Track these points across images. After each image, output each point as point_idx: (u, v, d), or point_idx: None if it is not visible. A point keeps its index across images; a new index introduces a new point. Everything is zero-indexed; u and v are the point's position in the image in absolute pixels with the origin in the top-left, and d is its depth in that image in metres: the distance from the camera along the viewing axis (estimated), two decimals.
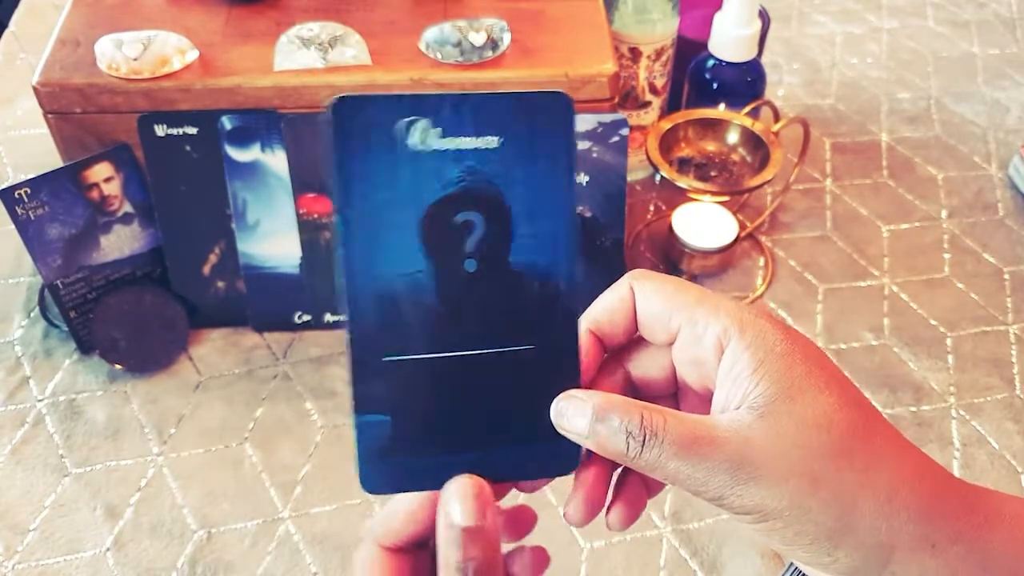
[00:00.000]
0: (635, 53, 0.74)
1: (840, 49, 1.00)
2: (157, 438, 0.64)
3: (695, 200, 0.74)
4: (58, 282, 0.66)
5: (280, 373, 0.68)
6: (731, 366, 0.32)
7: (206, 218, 0.67)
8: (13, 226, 0.63)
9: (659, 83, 0.77)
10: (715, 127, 0.75)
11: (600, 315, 0.35)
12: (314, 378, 0.67)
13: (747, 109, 0.74)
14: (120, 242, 0.67)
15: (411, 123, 0.28)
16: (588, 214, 0.68)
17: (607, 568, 0.58)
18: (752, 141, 0.73)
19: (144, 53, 0.63)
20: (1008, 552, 0.31)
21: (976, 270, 0.77)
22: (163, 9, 0.70)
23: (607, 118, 0.65)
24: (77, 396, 0.66)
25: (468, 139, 0.28)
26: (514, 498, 0.35)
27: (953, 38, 1.02)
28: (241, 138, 0.65)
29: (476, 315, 0.30)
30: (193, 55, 0.65)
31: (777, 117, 0.77)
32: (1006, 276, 0.76)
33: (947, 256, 0.78)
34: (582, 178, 0.67)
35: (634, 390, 0.36)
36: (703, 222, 0.74)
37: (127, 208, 0.67)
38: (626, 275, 0.35)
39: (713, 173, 0.74)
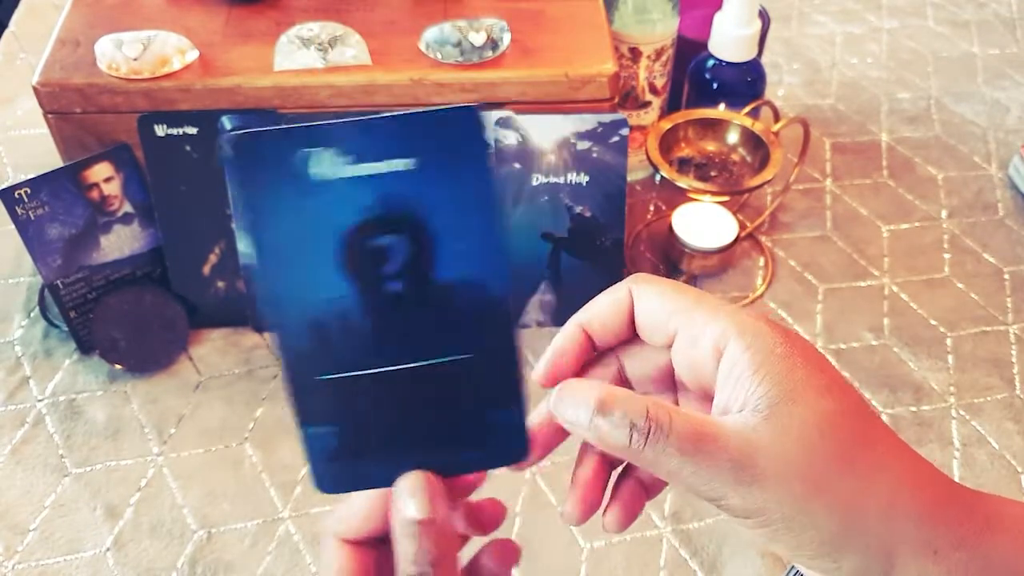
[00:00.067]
0: (635, 53, 0.74)
1: (840, 49, 1.00)
2: (157, 438, 0.64)
3: (695, 200, 0.74)
4: (58, 282, 0.66)
5: (280, 373, 0.68)
6: (731, 368, 0.32)
7: (206, 218, 0.67)
8: (13, 226, 0.63)
9: (659, 83, 0.77)
10: (715, 127, 0.75)
11: (593, 314, 0.35)
12: None
13: (747, 109, 0.74)
14: (120, 242, 0.67)
15: (313, 154, 0.28)
16: (588, 214, 0.68)
17: (607, 568, 0.58)
18: (752, 141, 0.73)
19: (144, 53, 0.63)
20: (1010, 557, 0.31)
21: (976, 270, 0.77)
22: (163, 9, 0.70)
23: (607, 118, 0.65)
24: (77, 396, 0.66)
25: (379, 163, 0.28)
26: (496, 494, 0.35)
27: (953, 38, 1.02)
28: None
29: (406, 332, 0.30)
30: (193, 55, 0.65)
31: (777, 117, 0.77)
32: (1006, 276, 0.76)
33: (947, 256, 0.78)
34: (582, 178, 0.67)
35: (628, 387, 0.36)
36: (703, 222, 0.74)
37: (127, 208, 0.67)
38: (627, 278, 0.35)
39: (713, 173, 0.74)
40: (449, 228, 0.29)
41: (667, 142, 0.73)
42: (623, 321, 0.35)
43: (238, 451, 0.63)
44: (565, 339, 0.35)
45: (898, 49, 1.00)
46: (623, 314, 0.35)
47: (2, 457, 0.63)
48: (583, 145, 0.66)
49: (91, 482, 0.62)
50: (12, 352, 0.69)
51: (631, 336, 0.36)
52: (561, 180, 0.67)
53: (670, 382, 0.36)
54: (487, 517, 0.35)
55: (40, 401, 0.66)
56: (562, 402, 0.32)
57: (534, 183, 0.67)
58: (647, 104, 0.78)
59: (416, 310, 0.30)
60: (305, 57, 0.65)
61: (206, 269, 0.69)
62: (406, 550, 0.30)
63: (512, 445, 0.32)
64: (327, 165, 0.28)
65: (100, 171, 0.65)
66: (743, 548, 0.58)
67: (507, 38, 0.66)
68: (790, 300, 0.74)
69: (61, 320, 0.68)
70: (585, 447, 0.37)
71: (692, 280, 0.75)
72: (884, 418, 0.66)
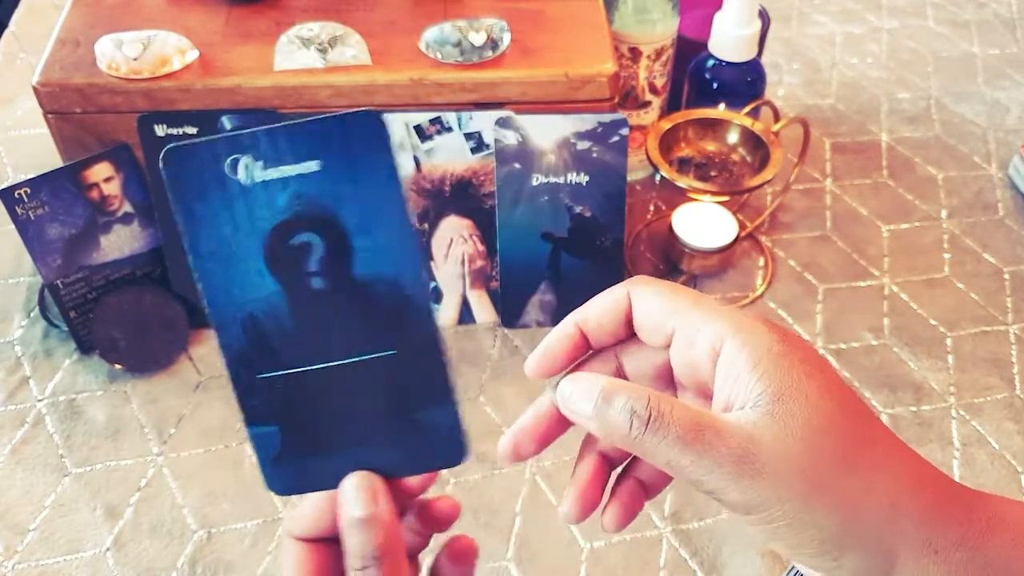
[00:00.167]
0: (635, 53, 0.74)
1: (840, 49, 1.00)
2: (157, 438, 0.64)
3: (695, 200, 0.74)
4: (58, 282, 0.66)
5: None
6: (728, 367, 0.32)
7: None
8: (13, 226, 0.63)
9: (659, 83, 0.77)
10: (715, 127, 0.75)
11: (589, 313, 0.36)
12: None
13: (747, 109, 0.74)
14: (120, 242, 0.67)
15: (235, 161, 0.29)
16: (588, 214, 0.68)
17: (607, 568, 0.58)
18: (752, 141, 0.73)
19: (144, 53, 0.63)
20: (1010, 557, 0.31)
21: (976, 270, 0.77)
22: (163, 9, 0.70)
23: (607, 118, 0.65)
24: (77, 396, 0.66)
25: (289, 167, 0.30)
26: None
27: (953, 38, 1.02)
28: None
29: (333, 328, 0.32)
30: (193, 55, 0.65)
31: (777, 117, 0.77)
32: (1006, 276, 0.76)
33: (947, 256, 0.78)
34: (582, 178, 0.67)
35: None
36: (703, 222, 0.74)
37: (127, 208, 0.67)
38: (627, 280, 0.36)
39: (713, 173, 0.74)
40: (359, 225, 0.30)
41: (667, 142, 0.73)
42: (619, 321, 0.35)
43: (238, 451, 0.63)
44: (559, 334, 0.36)
45: (898, 49, 1.00)
46: (620, 314, 0.35)
47: (2, 457, 0.63)
48: (583, 145, 0.66)
49: (91, 482, 0.62)
50: (12, 352, 0.69)
51: (626, 336, 0.36)
52: (561, 180, 0.67)
53: (669, 381, 0.36)
54: (440, 515, 0.36)
55: (40, 401, 0.66)
56: (568, 392, 0.33)
57: (534, 183, 0.67)
58: (647, 104, 0.78)
59: (339, 307, 0.31)
60: (305, 57, 0.65)
61: None
62: (352, 546, 0.31)
63: (449, 446, 0.33)
64: (247, 171, 0.30)
65: (100, 171, 0.65)
66: (743, 548, 0.58)
67: (507, 38, 0.66)
68: (790, 300, 0.74)
69: (61, 320, 0.68)
70: (585, 446, 0.37)
71: (692, 280, 0.75)
72: (884, 418, 0.66)
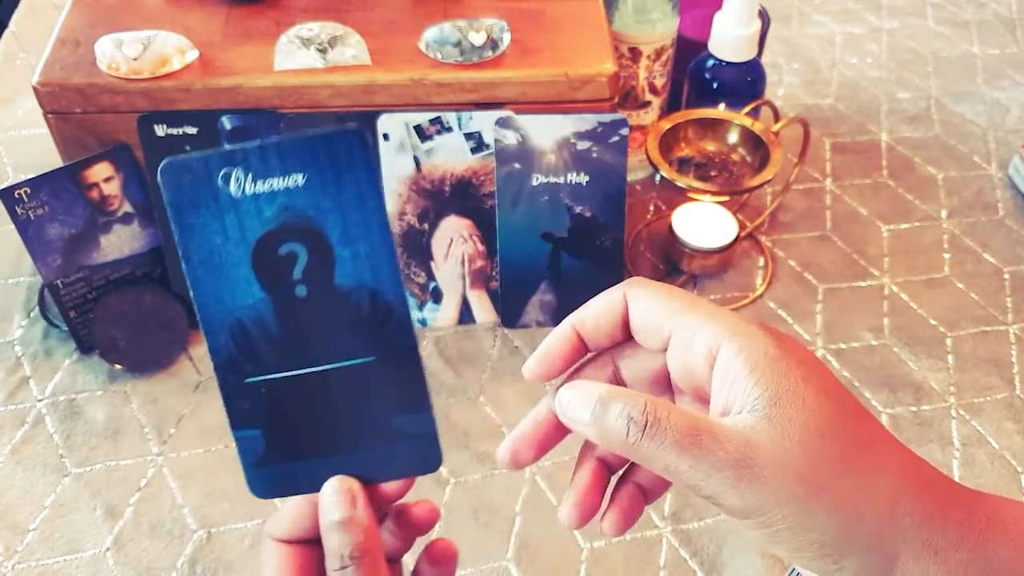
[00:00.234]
0: (635, 53, 0.74)
1: (840, 49, 1.00)
2: (157, 438, 0.64)
3: (695, 200, 0.74)
4: (58, 282, 0.66)
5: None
6: (725, 370, 0.32)
7: None
8: (13, 226, 0.63)
9: (659, 83, 0.77)
10: (715, 127, 0.75)
11: (586, 316, 0.36)
12: None
13: (747, 109, 0.74)
14: (120, 242, 0.67)
15: (227, 174, 0.31)
16: (588, 214, 0.68)
17: (607, 568, 0.58)
18: (752, 141, 0.73)
19: (144, 53, 0.63)
20: (1011, 558, 0.31)
21: (976, 270, 0.77)
22: (163, 9, 0.70)
23: (607, 118, 0.65)
24: (77, 396, 0.66)
25: (277, 180, 0.31)
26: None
27: (953, 38, 1.02)
28: (241, 138, 0.65)
29: (315, 335, 0.33)
30: (193, 55, 0.65)
31: (777, 117, 0.77)
32: (1006, 276, 0.76)
33: (947, 256, 0.78)
34: (582, 178, 0.67)
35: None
36: (703, 222, 0.74)
37: (127, 208, 0.67)
38: (623, 282, 0.36)
39: (713, 173, 0.74)
40: (342, 236, 0.32)
41: (667, 142, 0.73)
42: (616, 324, 0.35)
43: None
44: (557, 338, 0.36)
45: (898, 49, 1.00)
46: (616, 317, 0.35)
47: (2, 457, 0.63)
48: (583, 145, 0.66)
49: (91, 482, 0.62)
50: (12, 352, 0.69)
51: (624, 339, 0.36)
52: (561, 180, 0.67)
53: (666, 385, 0.36)
54: (418, 519, 0.37)
55: (40, 401, 0.66)
56: (567, 400, 0.33)
57: (534, 183, 0.67)
58: (647, 104, 0.78)
59: (321, 314, 0.33)
60: (305, 57, 0.65)
61: None
62: (332, 547, 0.33)
63: (425, 453, 0.35)
64: (237, 184, 0.31)
65: (100, 171, 0.65)
66: (743, 548, 0.58)
67: (507, 38, 0.66)
68: (790, 300, 0.74)
69: (61, 320, 0.68)
70: (584, 452, 0.37)
71: (692, 280, 0.75)
72: (884, 418, 0.66)
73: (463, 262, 0.69)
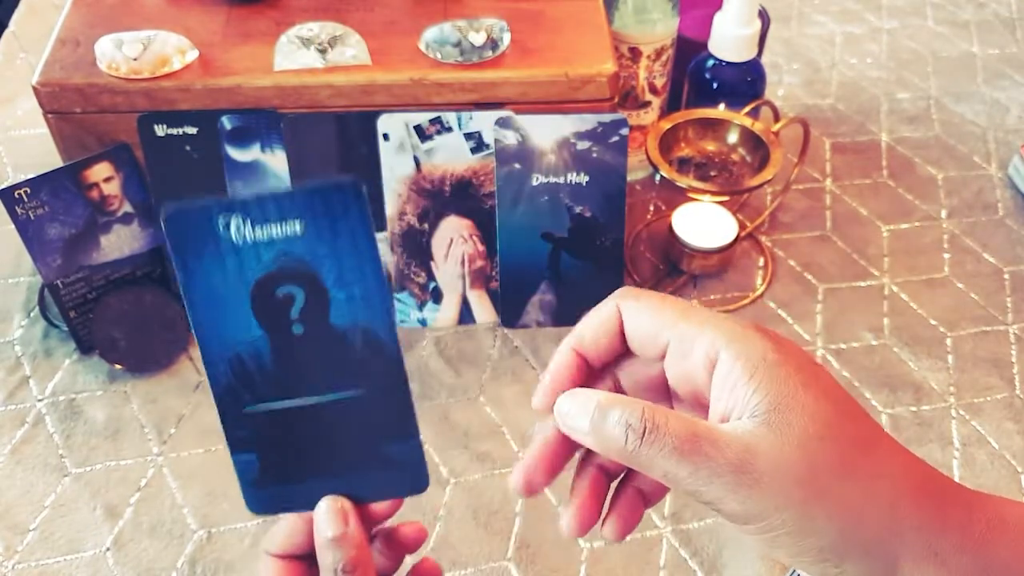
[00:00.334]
0: (635, 53, 0.74)
1: (840, 49, 1.00)
2: (157, 438, 0.64)
3: (695, 200, 0.74)
4: (58, 282, 0.66)
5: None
6: (725, 376, 0.32)
7: None
8: (13, 226, 0.63)
9: (659, 83, 0.77)
10: (715, 127, 0.75)
11: (584, 334, 0.36)
12: None
13: (747, 109, 0.74)
14: (120, 242, 0.67)
15: (228, 221, 0.33)
16: (588, 214, 0.68)
17: (607, 568, 0.58)
18: (752, 141, 0.73)
19: (144, 53, 0.63)
20: (1012, 560, 0.31)
21: (976, 270, 0.77)
22: (163, 9, 0.70)
23: (607, 118, 0.65)
24: (77, 396, 0.66)
25: (275, 227, 0.33)
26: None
27: (953, 38, 1.02)
28: (241, 138, 0.65)
29: (310, 369, 0.35)
30: (193, 55, 0.65)
31: (777, 117, 0.77)
32: (1006, 276, 0.76)
33: (947, 256, 0.78)
34: (582, 178, 0.67)
35: None
36: (703, 222, 0.74)
37: (127, 208, 0.67)
38: (613, 295, 0.36)
39: (713, 173, 0.74)
40: (337, 280, 0.34)
41: (667, 142, 0.73)
42: (614, 338, 0.36)
43: None
44: (560, 364, 0.36)
45: (898, 49, 1.00)
46: (613, 331, 0.35)
47: (2, 457, 0.63)
48: (583, 145, 0.66)
49: (91, 482, 0.62)
50: (12, 352, 0.69)
51: (624, 351, 0.36)
52: (561, 180, 0.67)
53: (665, 393, 0.36)
54: (407, 539, 0.38)
55: (40, 401, 0.66)
56: (566, 408, 0.33)
57: (534, 183, 0.67)
58: (647, 104, 0.78)
59: (317, 351, 0.35)
60: (305, 57, 0.65)
61: None
62: (326, 562, 0.34)
63: (412, 476, 0.36)
64: (238, 230, 0.33)
65: (100, 171, 0.65)
66: (743, 548, 0.58)
67: (507, 38, 0.66)
68: (790, 300, 0.74)
69: (61, 320, 0.68)
70: (584, 461, 0.37)
71: (692, 280, 0.75)
72: (884, 418, 0.66)
73: (463, 262, 0.69)
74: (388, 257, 0.69)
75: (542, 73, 0.65)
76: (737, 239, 0.74)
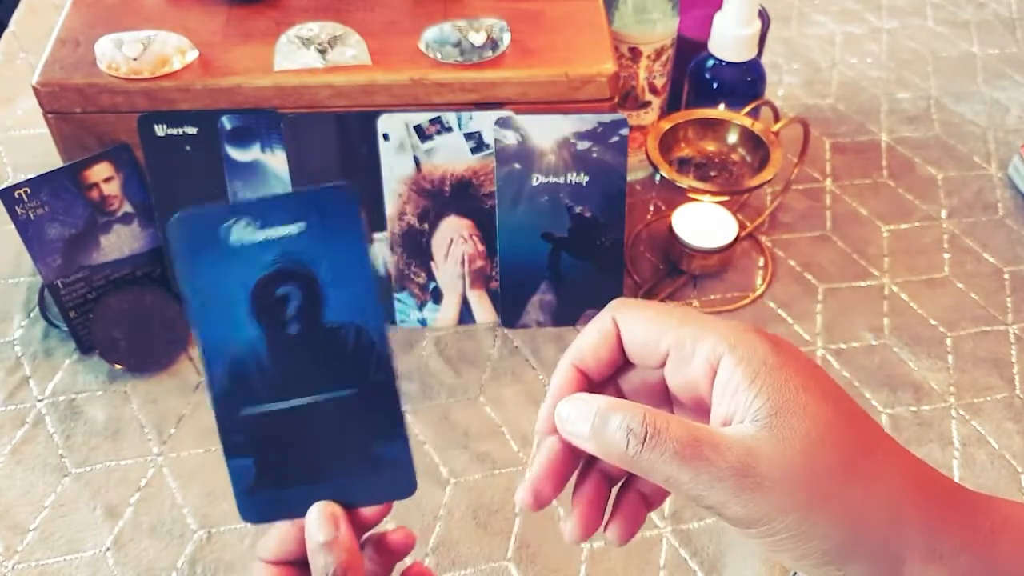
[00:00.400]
0: (635, 53, 0.74)
1: (840, 49, 1.00)
2: (157, 438, 0.64)
3: (695, 200, 0.74)
4: (58, 282, 0.66)
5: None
6: (726, 383, 0.32)
7: None
8: (13, 226, 0.63)
9: (659, 83, 0.77)
10: (715, 127, 0.75)
11: (583, 350, 0.36)
12: None
13: (747, 109, 0.74)
14: (120, 242, 0.67)
15: (232, 224, 0.34)
16: (588, 214, 0.68)
17: (607, 568, 0.58)
18: (752, 141, 0.73)
19: (144, 53, 0.63)
20: (1014, 560, 0.31)
21: (976, 270, 0.77)
22: (163, 9, 0.70)
23: (607, 118, 0.65)
24: (77, 396, 0.66)
25: (276, 229, 0.35)
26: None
27: (953, 38, 1.02)
28: (241, 138, 0.65)
29: (305, 368, 0.36)
30: (193, 55, 0.65)
31: (777, 117, 0.77)
32: (1006, 276, 0.76)
33: (947, 256, 0.78)
34: (582, 178, 0.67)
35: None
36: (703, 222, 0.74)
37: (127, 208, 0.67)
38: (607, 307, 0.36)
39: (713, 173, 0.74)
40: (331, 279, 0.35)
41: (667, 142, 0.73)
42: (613, 350, 0.36)
43: None
44: (561, 382, 0.36)
45: (898, 49, 1.00)
46: (612, 344, 0.35)
47: (2, 457, 0.63)
48: (583, 145, 0.66)
49: (91, 482, 0.62)
50: (12, 352, 0.69)
51: (624, 361, 0.36)
52: (561, 180, 0.67)
53: (665, 399, 0.36)
54: (395, 545, 0.38)
55: (40, 401, 0.66)
56: (567, 413, 0.33)
57: (534, 183, 0.67)
58: (647, 104, 0.78)
59: (311, 349, 0.36)
60: (305, 57, 0.65)
61: None
62: (318, 566, 0.35)
63: (400, 480, 0.37)
64: (239, 233, 0.34)
65: (100, 171, 0.65)
66: (743, 548, 0.58)
67: (507, 38, 0.66)
68: (790, 300, 0.74)
69: (61, 320, 0.68)
70: (585, 466, 0.37)
71: (692, 280, 0.75)
72: (884, 418, 0.66)
73: (463, 262, 0.69)
74: (388, 257, 0.69)
75: (542, 73, 0.65)
76: (737, 239, 0.74)
